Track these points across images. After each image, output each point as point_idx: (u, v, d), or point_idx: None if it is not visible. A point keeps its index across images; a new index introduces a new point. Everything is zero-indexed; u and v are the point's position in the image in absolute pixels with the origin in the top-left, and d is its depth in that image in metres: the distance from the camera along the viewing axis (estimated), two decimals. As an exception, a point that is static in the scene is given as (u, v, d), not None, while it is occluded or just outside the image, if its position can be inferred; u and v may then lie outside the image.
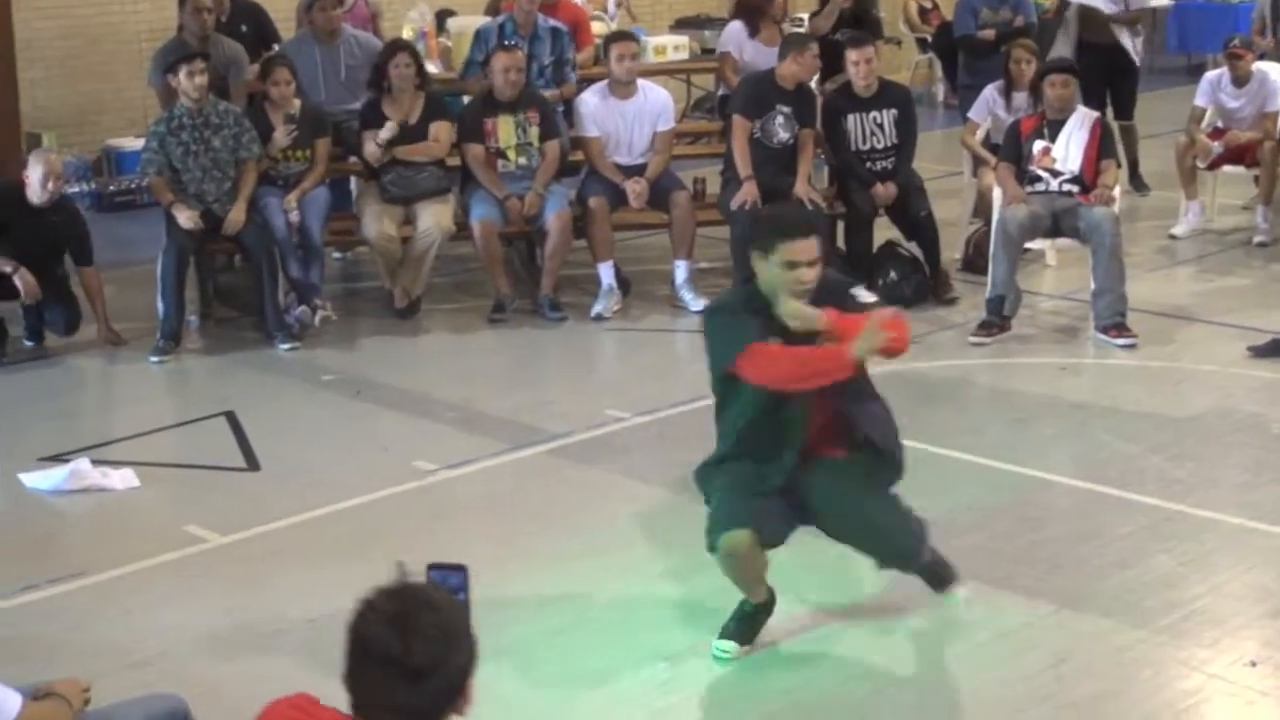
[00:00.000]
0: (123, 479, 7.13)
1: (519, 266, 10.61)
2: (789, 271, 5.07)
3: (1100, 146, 9.18)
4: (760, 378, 5.06)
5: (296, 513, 6.77)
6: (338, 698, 5.02)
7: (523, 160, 9.67)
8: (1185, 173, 11.25)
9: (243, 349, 9.22)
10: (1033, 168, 9.21)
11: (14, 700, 3.58)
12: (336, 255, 11.09)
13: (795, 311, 5.08)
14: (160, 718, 3.98)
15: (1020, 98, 10.23)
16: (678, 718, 5.09)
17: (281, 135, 9.44)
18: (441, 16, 11.57)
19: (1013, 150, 9.35)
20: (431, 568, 3.86)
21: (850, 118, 9.78)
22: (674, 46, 11.33)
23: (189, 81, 9.14)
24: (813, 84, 10.39)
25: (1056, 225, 9.15)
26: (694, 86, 14.07)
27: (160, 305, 9.04)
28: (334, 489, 6.98)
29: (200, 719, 4.10)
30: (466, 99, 10.17)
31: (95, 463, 7.22)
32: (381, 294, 9.95)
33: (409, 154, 9.55)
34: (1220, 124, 11.33)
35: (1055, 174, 9.15)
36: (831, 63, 10.70)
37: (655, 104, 9.91)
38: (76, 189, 12.79)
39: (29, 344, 9.21)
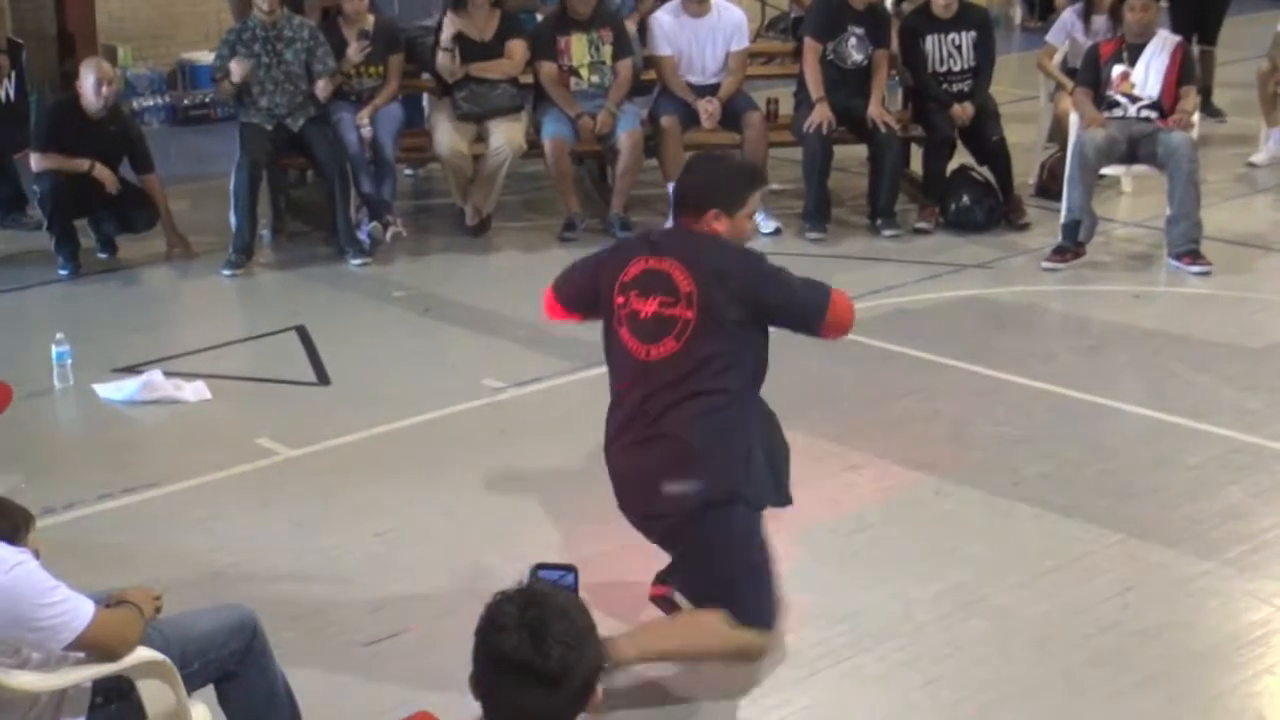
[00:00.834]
0: (195, 391, 7.21)
1: (590, 185, 10.60)
2: (750, 222, 4.91)
3: (1181, 72, 9.04)
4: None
5: (365, 428, 6.81)
6: (400, 609, 5.08)
7: (595, 78, 9.63)
8: (1266, 99, 11.08)
9: (314, 264, 9.26)
10: (1111, 93, 9.08)
11: (88, 606, 3.63)
12: (408, 171, 11.11)
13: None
14: (230, 625, 4.04)
15: (1100, 20, 10.08)
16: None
17: (355, 51, 9.43)
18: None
19: (1091, 74, 9.21)
20: (540, 568, 3.87)
21: (929, 39, 9.67)
22: (749, -35, 11.22)
23: (262, -9, 9.14)
24: (889, 4, 10.28)
25: (1133, 151, 9.04)
26: (769, 5, 13.95)
27: (233, 219, 9.09)
28: (403, 405, 7.02)
29: (269, 629, 4.15)
30: (540, 17, 10.14)
31: (168, 375, 7.29)
32: (453, 211, 9.96)
33: (483, 71, 9.52)
34: (1304, 49, 11.15)
35: (1134, 99, 9.03)
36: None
37: (729, 23, 9.82)
38: (151, 102, 12.88)
39: (102, 255, 9.29)
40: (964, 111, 9.59)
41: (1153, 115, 8.98)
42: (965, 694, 4.74)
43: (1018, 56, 14.18)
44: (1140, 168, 9.26)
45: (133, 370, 7.43)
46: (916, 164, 9.99)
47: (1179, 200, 8.76)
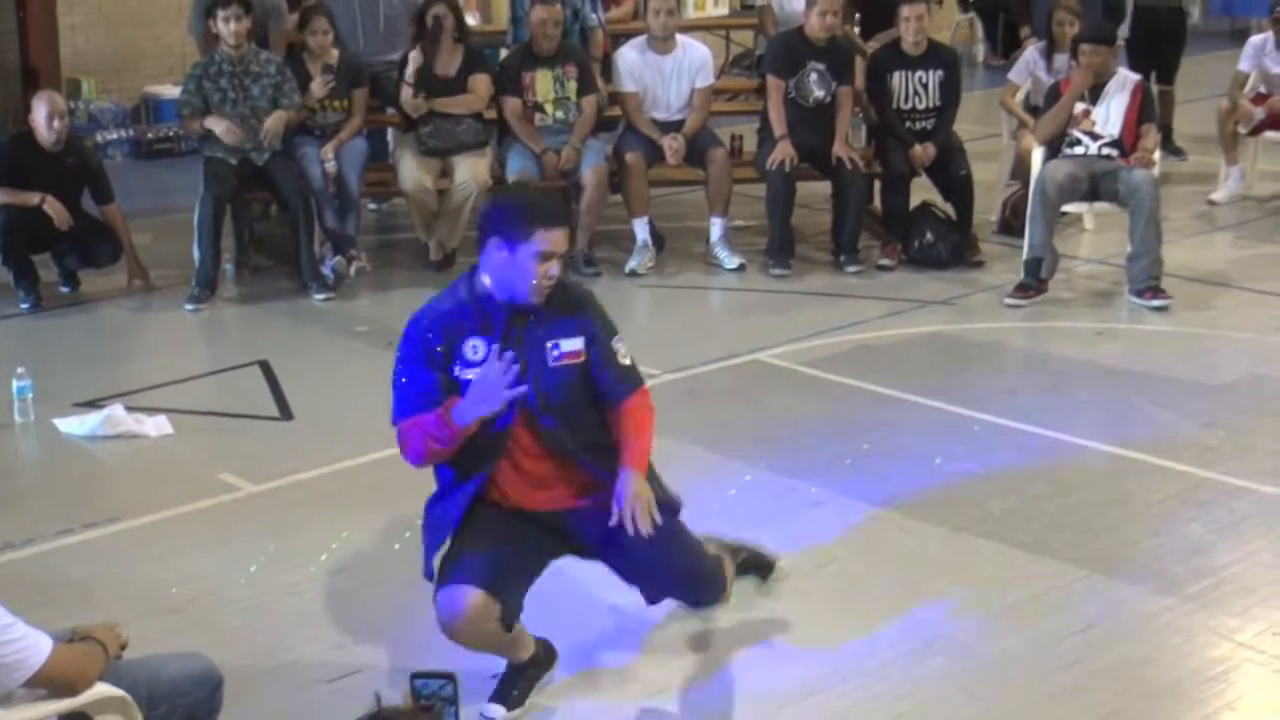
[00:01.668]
0: (156, 426, 7.17)
1: (554, 221, 10.58)
2: (540, 264, 4.50)
3: (1141, 110, 9.12)
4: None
5: (328, 463, 6.79)
6: (364, 645, 5.07)
7: (560, 114, 9.65)
8: (1226, 138, 11.18)
9: (277, 298, 9.24)
10: (1072, 130, 9.15)
11: (45, 643, 3.61)
12: (372, 206, 11.10)
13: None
14: (197, 675, 4.00)
15: (1062, 59, 10.14)
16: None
17: (319, 86, 9.43)
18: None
19: (1052, 112, 9.29)
20: (418, 677, 3.76)
21: (895, 75, 9.71)
22: (714, 1, 11.28)
23: (227, 26, 9.11)
24: (855, 38, 10.33)
25: (1095, 188, 9.10)
26: (733, 43, 14.00)
27: (196, 253, 9.06)
28: (365, 440, 6.98)
29: (230, 666, 4.13)
30: (504, 52, 10.15)
31: (129, 409, 7.26)
32: (417, 246, 9.96)
33: (447, 106, 9.53)
34: (1263, 89, 11.24)
35: (1095, 137, 9.10)
36: (876, 20, 10.62)
37: (694, 60, 9.85)
38: (115, 135, 12.84)
39: (64, 290, 9.25)
40: (924, 153, 9.63)
41: (1114, 153, 9.04)
42: (928, 730, 4.74)
43: (981, 94, 14.27)
44: (1102, 205, 9.32)
45: (94, 405, 7.39)
46: (880, 200, 10.03)
47: (1140, 237, 8.82)
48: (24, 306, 8.94)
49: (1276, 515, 6.21)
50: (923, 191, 9.93)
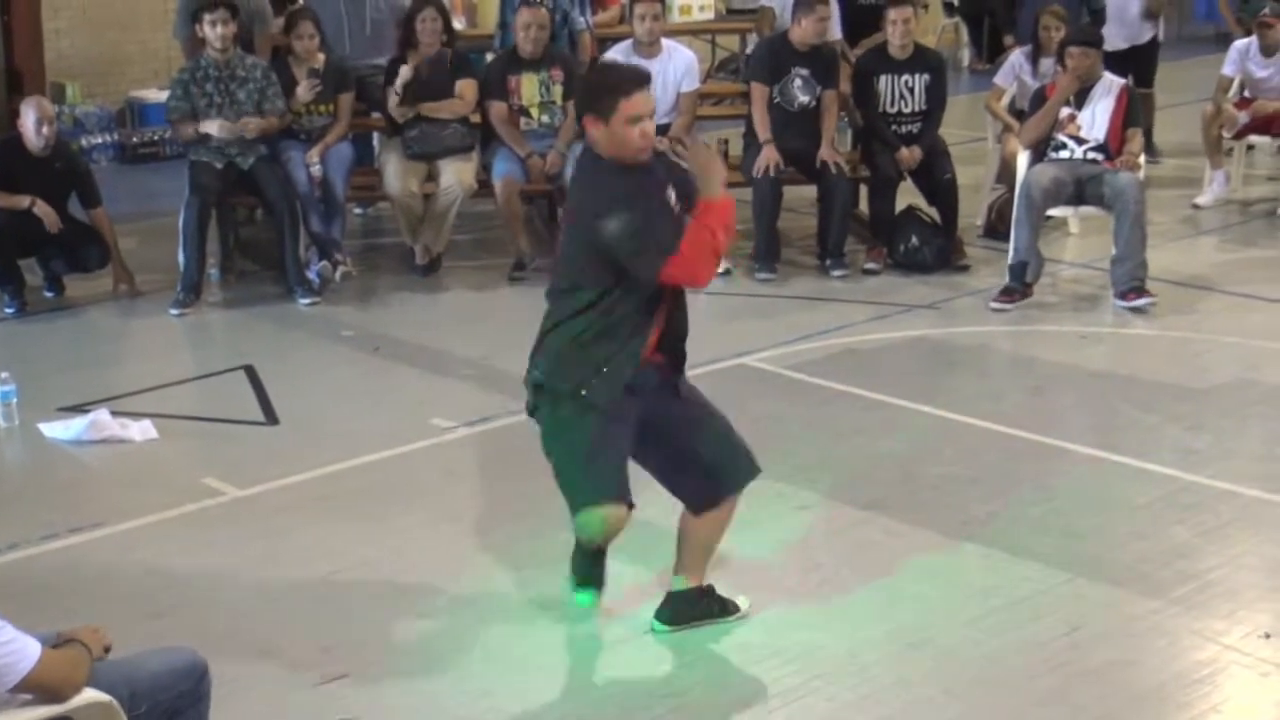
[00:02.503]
0: (141, 431, 7.16)
1: (540, 225, 10.60)
2: (633, 127, 4.84)
3: (1127, 114, 9.14)
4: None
5: (313, 467, 6.78)
6: (350, 649, 5.07)
7: (545, 118, 9.65)
8: (1211, 142, 11.21)
9: (263, 303, 9.23)
10: (1057, 134, 9.17)
11: (34, 647, 3.60)
12: (358, 210, 11.09)
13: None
14: (179, 668, 4.00)
15: (1047, 63, 10.16)
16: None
17: (304, 90, 9.43)
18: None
19: (1038, 116, 9.31)
20: None
21: (882, 79, 9.73)
22: (699, 6, 11.28)
23: (213, 30, 9.10)
24: (839, 44, 10.34)
25: (1080, 193, 9.12)
26: (719, 47, 14.02)
27: (181, 257, 9.05)
28: (351, 444, 6.99)
29: (216, 669, 4.12)
30: (490, 56, 10.15)
31: (115, 414, 7.25)
32: (402, 250, 9.96)
33: (433, 110, 9.53)
34: (1247, 93, 11.28)
35: (1080, 141, 9.11)
36: (862, 26, 10.64)
37: (680, 64, 9.86)
38: (100, 140, 12.83)
39: (49, 294, 9.23)
40: (911, 156, 9.65)
41: (1099, 157, 9.06)
42: (914, 734, 4.74)
43: (966, 98, 14.29)
44: (1087, 209, 9.33)
45: (79, 409, 7.37)
46: (866, 204, 10.04)
47: (1125, 241, 8.83)
48: (9, 311, 8.94)
49: (1261, 518, 6.22)
50: (908, 196, 9.94)
